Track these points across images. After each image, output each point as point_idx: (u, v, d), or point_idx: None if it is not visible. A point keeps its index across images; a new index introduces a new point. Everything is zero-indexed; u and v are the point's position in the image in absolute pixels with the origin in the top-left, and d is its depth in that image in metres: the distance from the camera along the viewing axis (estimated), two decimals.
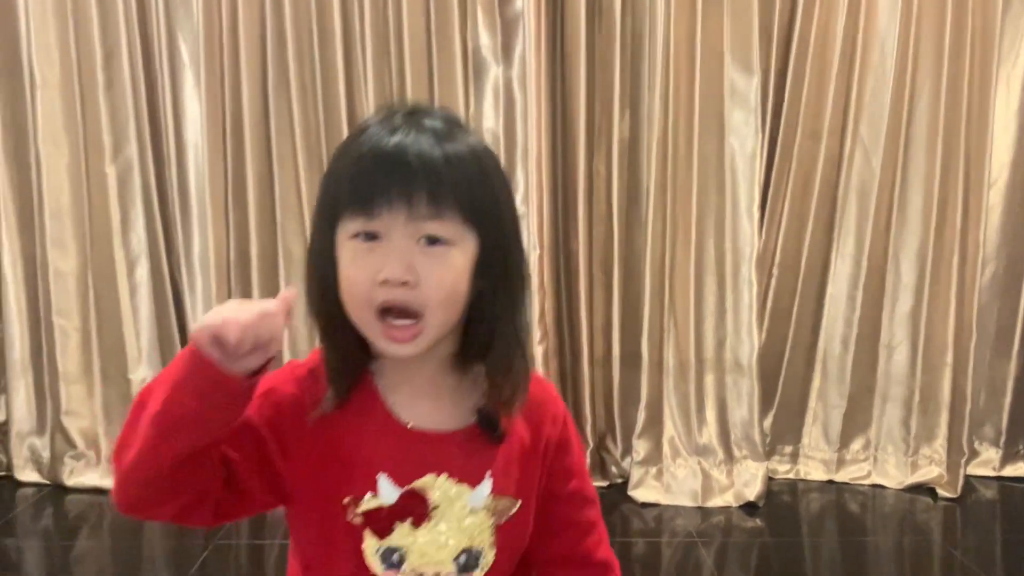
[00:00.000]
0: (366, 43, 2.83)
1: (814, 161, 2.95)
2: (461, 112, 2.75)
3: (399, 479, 0.90)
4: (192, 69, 2.87)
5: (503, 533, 0.94)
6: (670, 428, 2.93)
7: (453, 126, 0.90)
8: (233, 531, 2.66)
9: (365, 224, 0.86)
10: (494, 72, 2.85)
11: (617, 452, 3.04)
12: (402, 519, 0.90)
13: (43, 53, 2.83)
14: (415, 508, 0.90)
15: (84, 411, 2.98)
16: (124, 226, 2.92)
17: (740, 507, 2.83)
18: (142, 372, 2.94)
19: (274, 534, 2.64)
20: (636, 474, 2.91)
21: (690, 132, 2.86)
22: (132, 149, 2.89)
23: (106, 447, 2.96)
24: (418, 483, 0.90)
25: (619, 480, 2.99)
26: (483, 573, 0.94)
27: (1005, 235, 3.07)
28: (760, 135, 2.87)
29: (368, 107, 2.85)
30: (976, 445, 3.11)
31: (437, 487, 0.91)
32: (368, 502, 0.89)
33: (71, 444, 2.97)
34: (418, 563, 0.91)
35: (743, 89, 2.84)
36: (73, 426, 2.97)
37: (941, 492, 2.94)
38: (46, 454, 3.00)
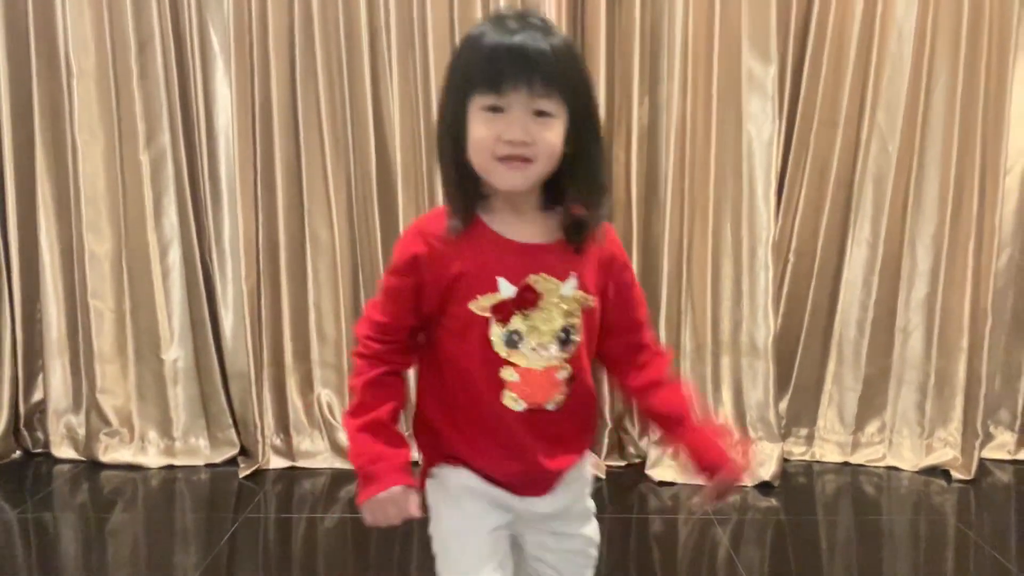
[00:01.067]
0: (391, 33, 2.89)
1: (831, 148, 2.99)
2: None
3: (513, 280, 1.23)
4: (223, 59, 2.95)
5: (586, 319, 1.28)
6: None
7: (549, 24, 1.20)
8: (262, 505, 2.75)
9: (496, 100, 1.16)
10: None
11: (635, 432, 3.09)
12: (520, 307, 1.23)
13: (79, 43, 2.92)
14: (528, 297, 1.24)
15: (118, 390, 3.08)
16: (157, 212, 3.01)
17: (756, 487, 2.88)
18: (174, 352, 3.04)
19: (301, 509, 2.72)
20: (653, 454, 2.97)
21: (708, 119, 2.90)
22: (165, 137, 2.98)
23: (139, 425, 3.06)
24: (527, 279, 1.24)
25: (636, 460, 3.04)
26: (575, 349, 1.27)
27: (1021, 220, 3.08)
28: (777, 122, 2.90)
29: (393, 96, 2.91)
30: (991, 429, 3.13)
31: (539, 281, 1.24)
32: (492, 298, 1.23)
33: (106, 422, 3.07)
34: (532, 340, 1.25)
35: (760, 77, 2.88)
36: (108, 404, 3.07)
37: (955, 474, 2.97)
38: (82, 431, 3.10)
